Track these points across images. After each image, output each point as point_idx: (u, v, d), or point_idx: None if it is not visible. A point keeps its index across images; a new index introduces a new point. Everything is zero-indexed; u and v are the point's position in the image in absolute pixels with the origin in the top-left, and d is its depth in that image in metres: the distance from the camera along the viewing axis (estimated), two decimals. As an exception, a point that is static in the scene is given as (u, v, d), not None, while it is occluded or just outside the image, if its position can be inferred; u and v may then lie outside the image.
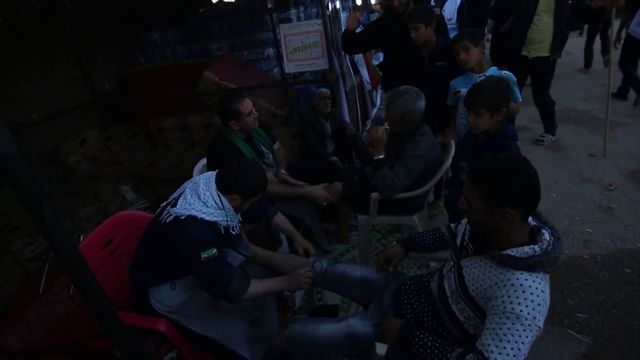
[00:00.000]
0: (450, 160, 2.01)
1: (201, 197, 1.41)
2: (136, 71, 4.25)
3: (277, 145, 2.41)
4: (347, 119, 3.50)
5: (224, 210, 1.43)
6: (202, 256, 1.34)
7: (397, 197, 1.91)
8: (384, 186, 1.86)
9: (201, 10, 4.65)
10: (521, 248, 0.97)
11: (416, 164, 1.85)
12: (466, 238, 1.16)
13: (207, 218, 1.39)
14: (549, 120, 3.68)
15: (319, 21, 3.02)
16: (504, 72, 2.18)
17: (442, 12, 3.82)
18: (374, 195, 1.95)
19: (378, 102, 5.09)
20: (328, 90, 3.18)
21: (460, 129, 2.30)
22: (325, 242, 2.36)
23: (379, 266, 1.45)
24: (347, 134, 3.27)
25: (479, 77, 2.16)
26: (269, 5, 3.11)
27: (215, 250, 1.36)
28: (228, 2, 4.21)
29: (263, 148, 2.24)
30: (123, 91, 4.25)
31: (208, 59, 4.09)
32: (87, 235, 1.55)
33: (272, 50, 3.92)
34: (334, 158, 3.10)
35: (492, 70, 2.18)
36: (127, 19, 4.43)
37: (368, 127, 4.15)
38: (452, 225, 1.44)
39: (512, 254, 0.97)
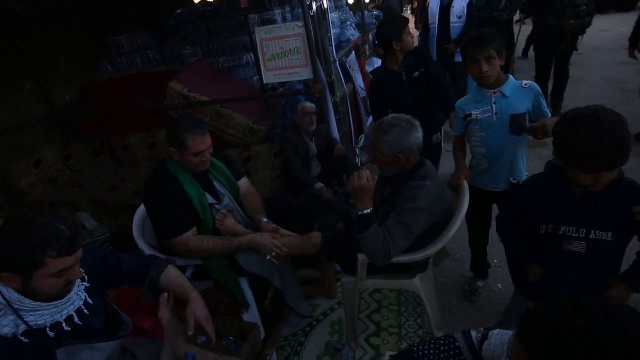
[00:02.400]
0: (465, 210, 1.49)
1: None
2: (101, 80, 3.79)
3: (245, 184, 1.86)
4: (337, 135, 3.03)
5: (11, 306, 0.90)
6: None
7: (393, 262, 1.43)
8: (373, 251, 1.37)
9: (178, 11, 4.19)
10: None
11: (417, 220, 1.36)
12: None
13: None
14: None
15: (300, 23, 2.54)
16: (526, 82, 1.69)
17: (452, 9, 3.57)
18: (362, 257, 1.47)
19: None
20: (313, 105, 2.70)
21: (477, 161, 1.79)
22: (304, 306, 1.82)
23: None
24: (336, 154, 2.80)
25: (494, 93, 1.67)
26: (242, 6, 2.63)
27: None
28: (209, 2, 3.72)
29: (219, 187, 1.73)
30: (87, 103, 3.78)
31: (181, 66, 3.62)
32: None
33: (251, 56, 3.44)
34: (319, 185, 2.63)
35: (512, 82, 1.69)
36: (92, 22, 3.94)
37: (362, 142, 3.67)
38: (473, 334, 0.96)
39: None
